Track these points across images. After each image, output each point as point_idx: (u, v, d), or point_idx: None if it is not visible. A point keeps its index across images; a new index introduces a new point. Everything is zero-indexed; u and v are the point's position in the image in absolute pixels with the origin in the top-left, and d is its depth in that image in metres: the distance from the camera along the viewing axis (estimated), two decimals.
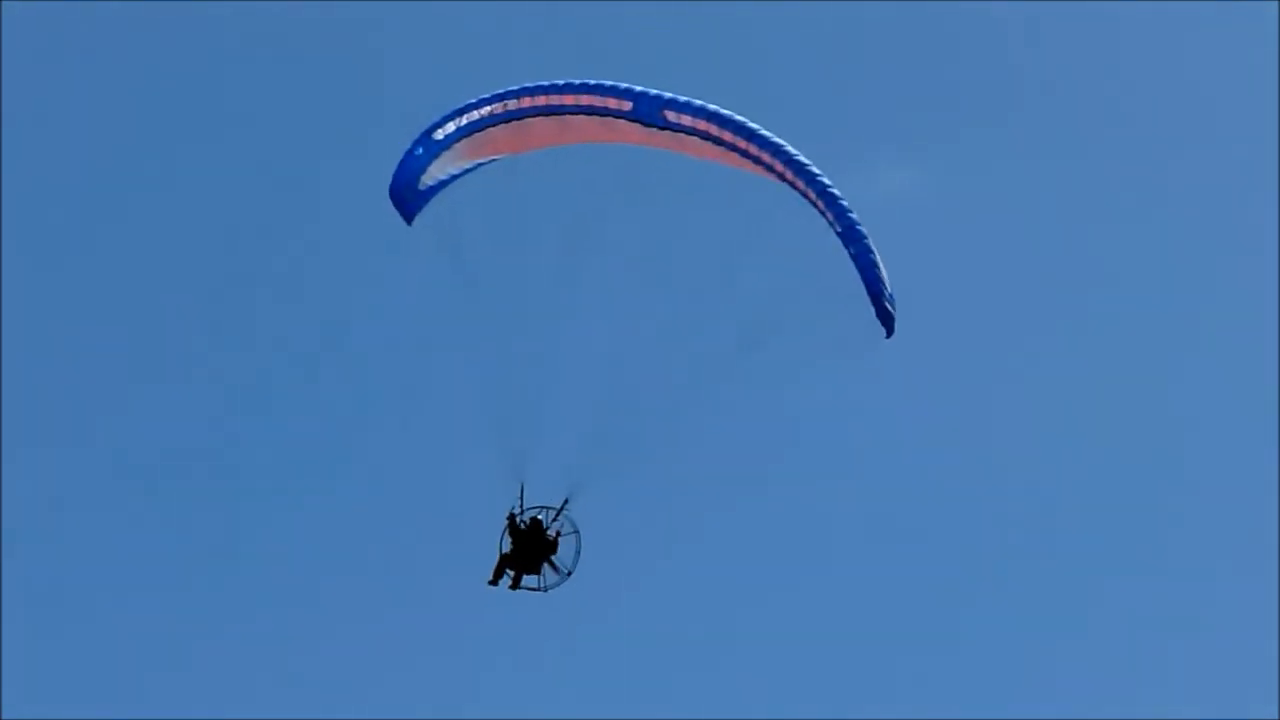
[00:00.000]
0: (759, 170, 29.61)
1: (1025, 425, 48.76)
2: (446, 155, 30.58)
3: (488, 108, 30.55)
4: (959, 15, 55.38)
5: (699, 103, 29.78)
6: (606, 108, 30.02)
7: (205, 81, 55.20)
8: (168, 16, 54.41)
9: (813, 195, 29.52)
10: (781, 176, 29.60)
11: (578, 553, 31.13)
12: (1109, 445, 49.01)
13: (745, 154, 29.69)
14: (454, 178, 30.90)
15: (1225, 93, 54.34)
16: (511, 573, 31.02)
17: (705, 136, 29.73)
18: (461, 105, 30.73)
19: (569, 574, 31.14)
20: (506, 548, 31.05)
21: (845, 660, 45.42)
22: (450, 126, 30.68)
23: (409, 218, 31.10)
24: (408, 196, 30.87)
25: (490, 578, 31.07)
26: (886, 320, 29.39)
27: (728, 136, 29.71)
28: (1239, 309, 50.44)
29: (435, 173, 30.74)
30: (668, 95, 29.93)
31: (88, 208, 53.32)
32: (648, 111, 29.88)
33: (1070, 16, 55.38)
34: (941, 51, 54.45)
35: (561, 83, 30.23)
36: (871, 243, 29.47)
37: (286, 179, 54.03)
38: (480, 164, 30.86)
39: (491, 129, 30.43)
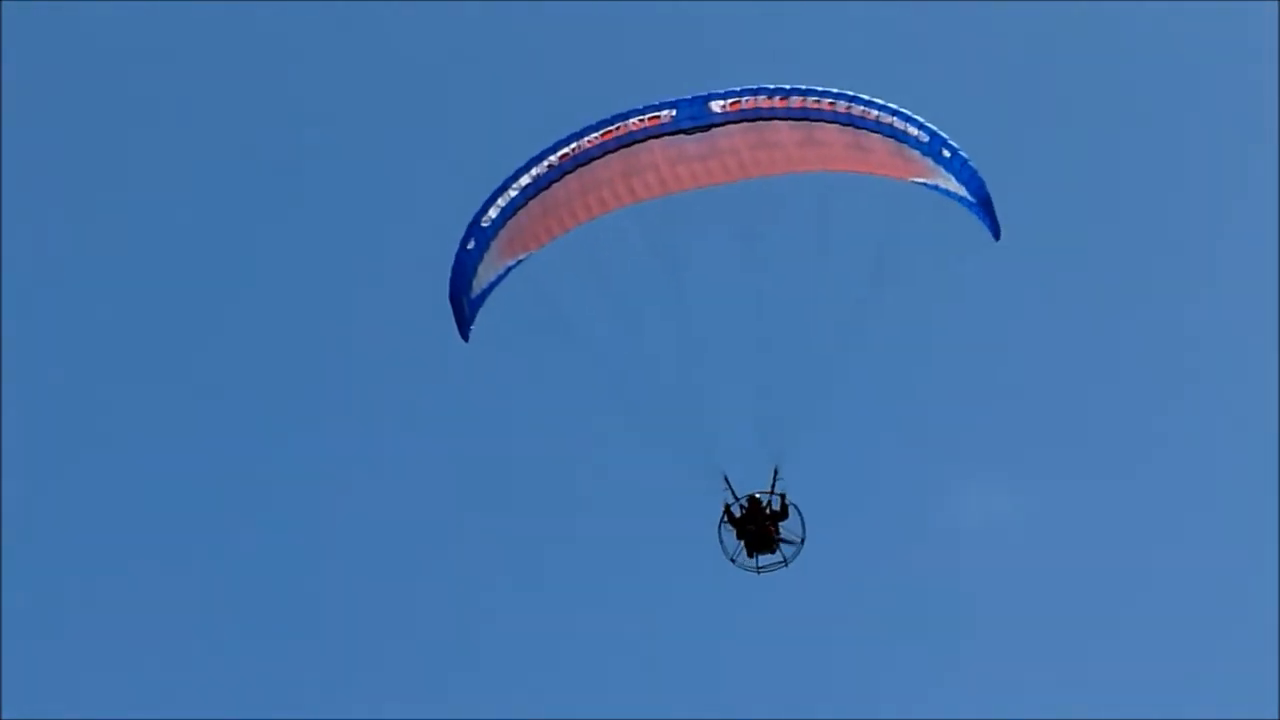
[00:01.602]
0: (815, 153, 27.92)
1: None
2: (493, 247, 28.30)
3: (525, 177, 28.25)
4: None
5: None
6: (645, 128, 27.90)
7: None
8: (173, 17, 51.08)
9: (886, 119, 27.99)
10: (849, 116, 27.93)
11: (802, 519, 30.26)
12: None
13: (804, 114, 27.92)
14: (499, 280, 28.63)
15: None
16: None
17: (758, 116, 27.87)
18: (499, 183, 28.43)
19: (802, 541, 30.33)
20: (732, 542, 30.19)
21: None
22: (492, 212, 28.36)
23: (466, 333, 28.78)
24: (465, 306, 28.31)
25: (730, 555, 30.17)
26: (993, 219, 28.52)
27: (778, 102, 27.83)
28: None
29: (484, 274, 28.31)
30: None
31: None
32: (690, 112, 27.87)
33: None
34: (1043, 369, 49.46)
35: (580, 129, 28.02)
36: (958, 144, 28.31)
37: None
38: (520, 260, 28.61)
39: (528, 205, 28.20)
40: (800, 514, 30.35)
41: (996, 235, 28.59)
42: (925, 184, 28.14)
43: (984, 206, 28.35)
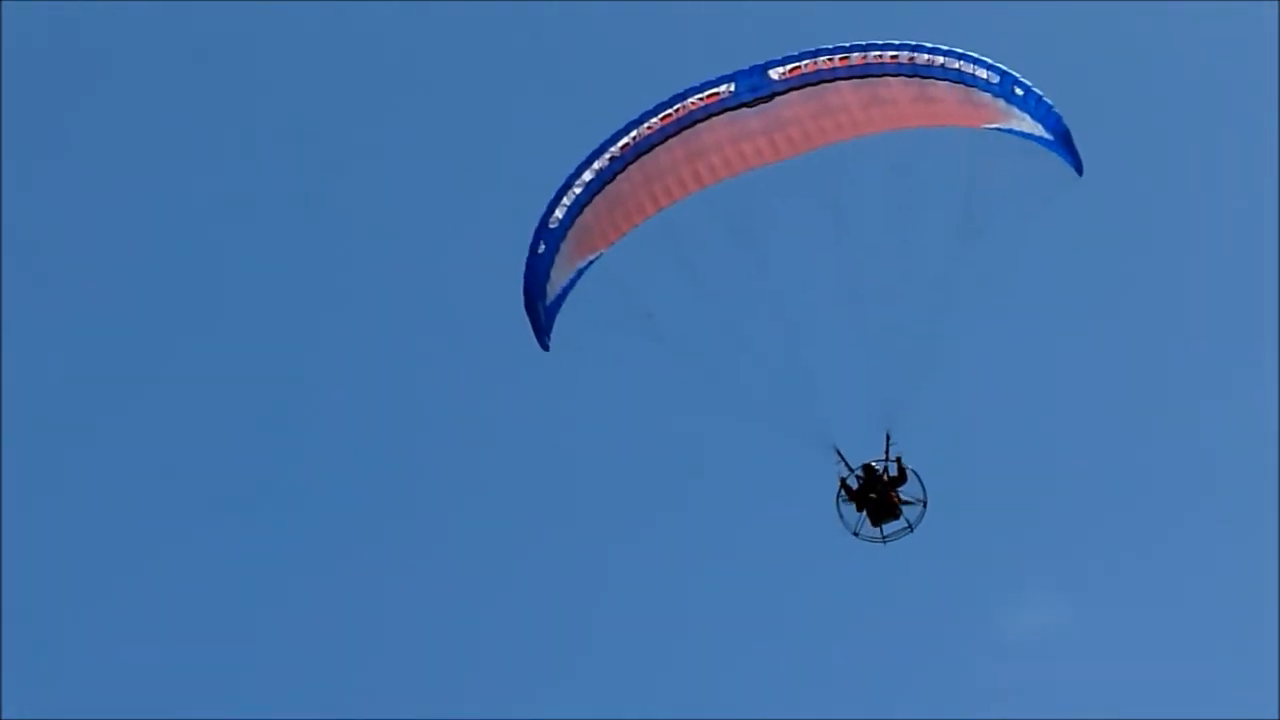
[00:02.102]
0: (882, 112, 26.89)
1: None
2: (563, 249, 27.48)
3: (587, 173, 27.34)
4: None
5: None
6: (704, 106, 26.97)
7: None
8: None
9: (952, 64, 27.00)
10: (913, 66, 26.95)
11: (921, 481, 29.51)
12: None
13: (866, 70, 26.95)
14: (572, 283, 27.62)
15: None
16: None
17: (820, 79, 26.90)
18: (563, 180, 27.54)
19: (925, 504, 29.62)
20: (852, 515, 29.56)
21: None
22: (559, 211, 27.46)
23: (546, 342, 28.00)
24: (541, 313, 27.47)
25: (852, 529, 29.55)
26: (1074, 154, 27.52)
27: (839, 61, 26.88)
28: None
29: (557, 278, 27.46)
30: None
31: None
32: (750, 83, 26.92)
33: None
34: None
35: (638, 115, 27.05)
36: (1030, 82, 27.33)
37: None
38: (592, 260, 27.58)
39: (594, 202, 27.32)
40: (919, 476, 29.66)
41: (1079, 170, 27.61)
42: (999, 128, 27.12)
43: (1063, 142, 27.41)
